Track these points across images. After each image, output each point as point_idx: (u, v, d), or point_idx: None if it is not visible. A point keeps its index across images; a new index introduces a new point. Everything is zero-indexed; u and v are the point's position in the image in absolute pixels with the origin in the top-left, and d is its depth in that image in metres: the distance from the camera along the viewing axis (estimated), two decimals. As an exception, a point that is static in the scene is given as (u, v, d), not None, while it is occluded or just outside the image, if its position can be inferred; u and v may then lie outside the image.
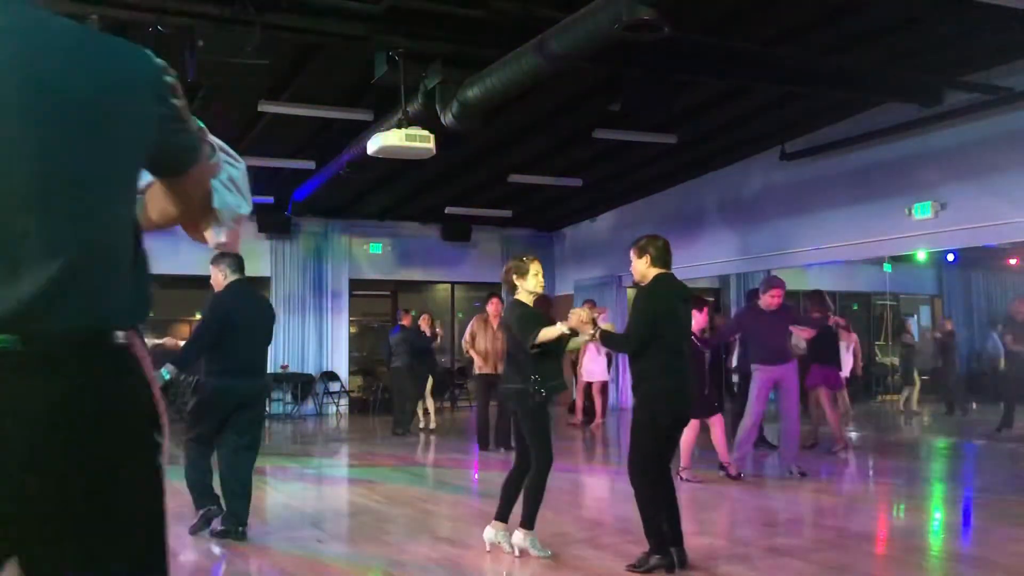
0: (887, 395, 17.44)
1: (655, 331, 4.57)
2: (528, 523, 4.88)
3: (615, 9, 5.17)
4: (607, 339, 4.93)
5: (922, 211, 9.54)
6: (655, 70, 7.56)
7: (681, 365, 4.66)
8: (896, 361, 18.27)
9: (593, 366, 11.91)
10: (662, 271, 4.74)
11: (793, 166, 11.03)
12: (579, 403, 12.45)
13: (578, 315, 4.71)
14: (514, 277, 5.08)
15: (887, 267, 16.09)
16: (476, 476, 8.37)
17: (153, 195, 1.60)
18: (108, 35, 1.48)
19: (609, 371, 12.50)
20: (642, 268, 4.77)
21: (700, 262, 13.06)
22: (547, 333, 4.74)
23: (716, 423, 7.45)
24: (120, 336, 1.38)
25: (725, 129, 10.58)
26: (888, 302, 17.80)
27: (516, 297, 5.10)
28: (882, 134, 9.75)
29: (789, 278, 14.85)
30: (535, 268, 5.04)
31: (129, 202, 1.45)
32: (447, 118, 7.04)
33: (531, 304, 5.05)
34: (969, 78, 8.49)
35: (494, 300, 9.82)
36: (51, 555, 1.34)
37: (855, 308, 17.95)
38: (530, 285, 5.02)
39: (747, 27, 7.38)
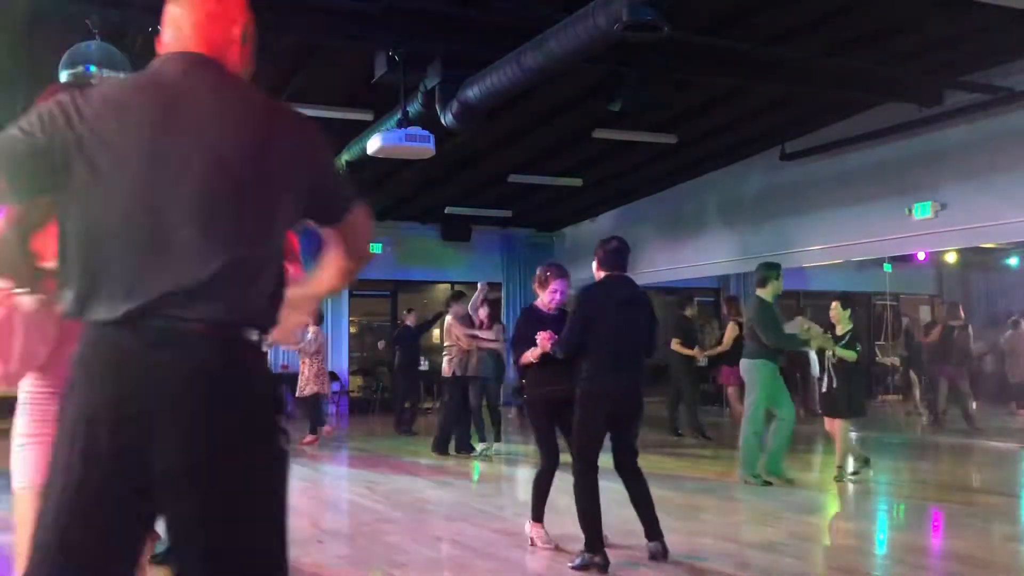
0: (887, 395, 17.42)
1: (587, 333, 4.67)
2: (534, 515, 5.05)
3: (615, 9, 5.17)
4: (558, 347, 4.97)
5: (922, 211, 9.55)
6: (655, 70, 7.56)
7: (617, 365, 4.69)
8: (896, 361, 18.24)
9: None
10: (609, 273, 4.82)
11: (793, 166, 11.03)
12: None
13: (543, 337, 4.83)
14: (536, 286, 5.27)
15: (887, 267, 16.07)
16: (477, 476, 8.37)
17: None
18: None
19: None
20: (594, 270, 4.91)
21: (700, 262, 13.07)
22: (524, 359, 4.98)
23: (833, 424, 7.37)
24: (249, 333, 1.68)
25: (725, 129, 10.58)
26: (888, 302, 17.78)
27: (534, 303, 5.31)
28: (882, 134, 9.75)
29: (789, 278, 14.95)
30: (554, 286, 5.14)
31: (276, 238, 1.75)
32: (447, 118, 7.04)
33: (547, 310, 5.18)
34: (969, 78, 8.49)
35: (456, 307, 9.68)
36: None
37: (855, 308, 17.92)
38: (544, 300, 5.18)
39: (747, 27, 7.38)
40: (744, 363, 7.41)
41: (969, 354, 11.87)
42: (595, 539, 4.53)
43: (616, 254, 4.82)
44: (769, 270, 7.40)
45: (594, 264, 4.90)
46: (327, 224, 1.88)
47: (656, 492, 4.86)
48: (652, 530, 4.70)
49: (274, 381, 1.77)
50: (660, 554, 4.65)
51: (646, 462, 4.95)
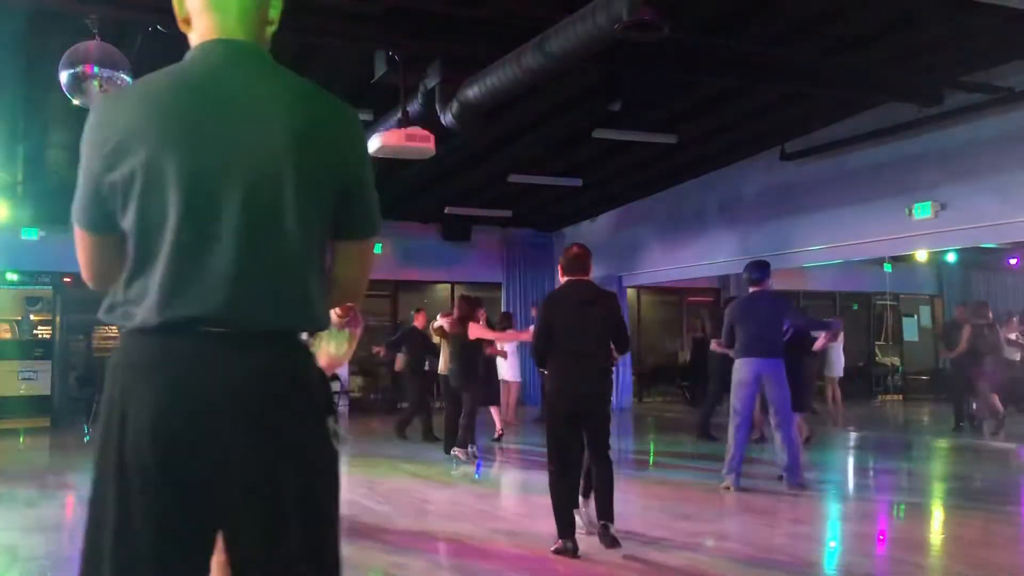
0: (887, 395, 17.42)
1: (549, 337, 4.96)
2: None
3: (615, 9, 5.17)
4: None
5: (922, 211, 9.54)
6: (655, 70, 7.55)
7: (572, 365, 4.94)
8: (896, 360, 18.23)
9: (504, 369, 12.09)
10: (571, 278, 5.06)
11: (793, 166, 11.03)
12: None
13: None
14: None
15: (887, 267, 16.08)
16: (477, 475, 8.37)
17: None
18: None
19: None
20: (559, 277, 5.16)
21: (700, 262, 13.06)
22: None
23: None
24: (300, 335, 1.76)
25: (725, 129, 10.57)
26: (888, 302, 17.80)
27: None
28: (882, 134, 9.74)
29: (789, 278, 15.00)
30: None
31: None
32: (447, 118, 7.04)
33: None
34: (969, 78, 8.48)
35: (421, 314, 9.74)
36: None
37: (855, 308, 17.96)
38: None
39: (747, 27, 7.38)
40: (762, 364, 7.07)
41: (1001, 352, 11.69)
42: (565, 527, 4.79)
43: (576, 259, 5.08)
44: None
45: (558, 271, 5.15)
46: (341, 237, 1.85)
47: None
48: (603, 511, 4.90)
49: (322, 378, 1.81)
50: (607, 532, 4.83)
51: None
